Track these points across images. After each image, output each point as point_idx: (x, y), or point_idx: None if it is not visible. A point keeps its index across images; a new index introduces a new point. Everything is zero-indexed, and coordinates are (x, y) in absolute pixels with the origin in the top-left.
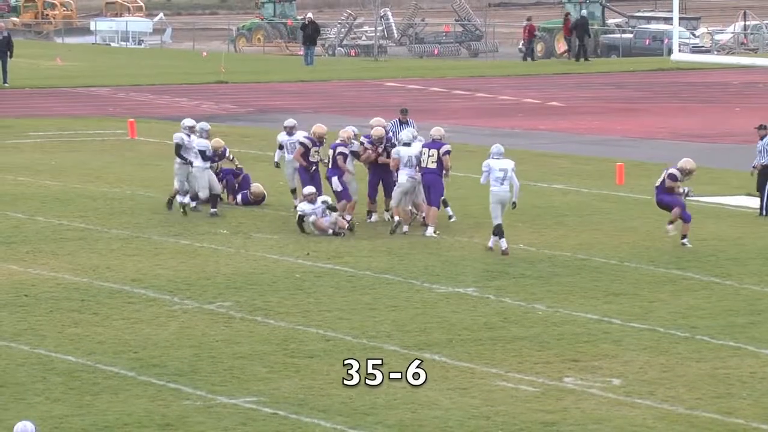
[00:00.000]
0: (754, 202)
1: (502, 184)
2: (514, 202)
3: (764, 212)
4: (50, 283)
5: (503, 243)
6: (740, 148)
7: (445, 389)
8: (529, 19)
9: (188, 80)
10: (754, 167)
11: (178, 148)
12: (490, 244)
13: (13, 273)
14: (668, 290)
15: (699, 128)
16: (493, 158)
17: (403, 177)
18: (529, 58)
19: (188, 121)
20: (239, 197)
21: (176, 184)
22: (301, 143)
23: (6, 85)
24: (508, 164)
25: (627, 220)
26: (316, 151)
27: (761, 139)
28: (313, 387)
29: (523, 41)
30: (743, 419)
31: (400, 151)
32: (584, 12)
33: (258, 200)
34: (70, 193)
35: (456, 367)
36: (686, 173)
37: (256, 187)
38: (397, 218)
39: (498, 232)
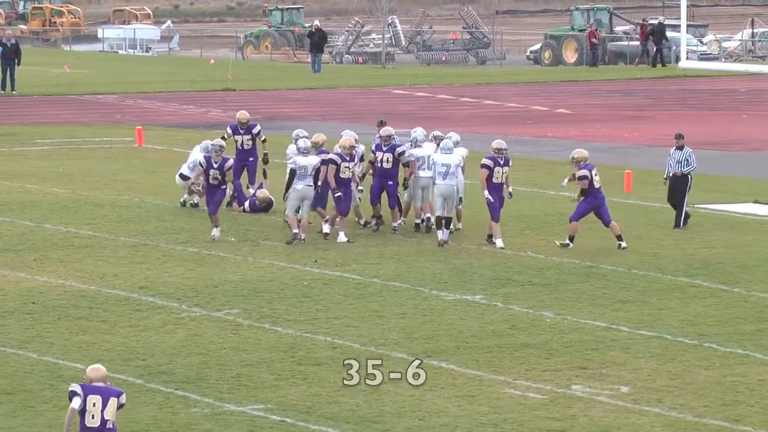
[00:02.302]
0: (762, 210)
1: (444, 178)
2: (460, 198)
3: (681, 224)
4: (58, 290)
5: (441, 234)
6: (748, 155)
7: (453, 397)
8: (590, 25)
9: (196, 87)
10: (666, 178)
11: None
12: (440, 236)
13: (20, 280)
14: (676, 298)
15: (706, 135)
16: (441, 152)
17: (420, 176)
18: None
19: (302, 132)
20: (246, 204)
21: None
22: (332, 161)
23: (14, 92)
24: (453, 160)
25: (635, 228)
26: (347, 167)
27: (678, 148)
28: (321, 394)
29: (586, 47)
30: (751, 427)
31: (414, 153)
32: (661, 18)
33: (265, 206)
34: (77, 201)
35: (464, 374)
36: (575, 162)
37: (261, 192)
38: (427, 215)
39: (438, 223)
